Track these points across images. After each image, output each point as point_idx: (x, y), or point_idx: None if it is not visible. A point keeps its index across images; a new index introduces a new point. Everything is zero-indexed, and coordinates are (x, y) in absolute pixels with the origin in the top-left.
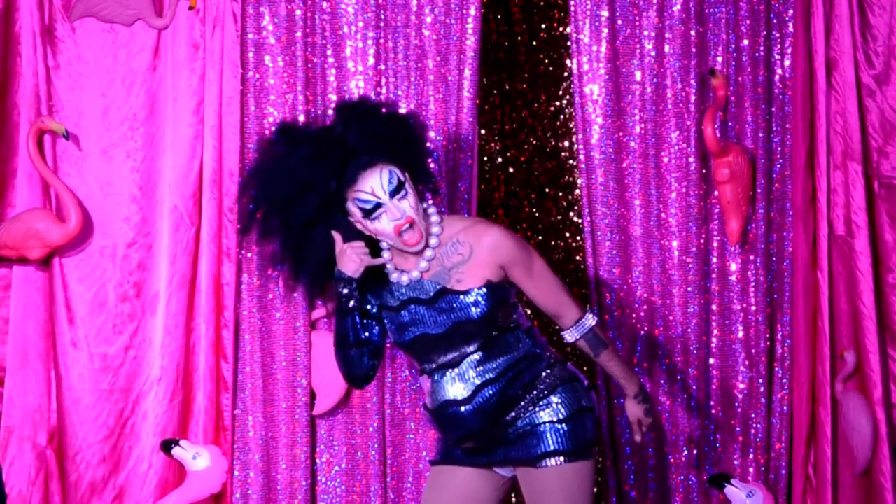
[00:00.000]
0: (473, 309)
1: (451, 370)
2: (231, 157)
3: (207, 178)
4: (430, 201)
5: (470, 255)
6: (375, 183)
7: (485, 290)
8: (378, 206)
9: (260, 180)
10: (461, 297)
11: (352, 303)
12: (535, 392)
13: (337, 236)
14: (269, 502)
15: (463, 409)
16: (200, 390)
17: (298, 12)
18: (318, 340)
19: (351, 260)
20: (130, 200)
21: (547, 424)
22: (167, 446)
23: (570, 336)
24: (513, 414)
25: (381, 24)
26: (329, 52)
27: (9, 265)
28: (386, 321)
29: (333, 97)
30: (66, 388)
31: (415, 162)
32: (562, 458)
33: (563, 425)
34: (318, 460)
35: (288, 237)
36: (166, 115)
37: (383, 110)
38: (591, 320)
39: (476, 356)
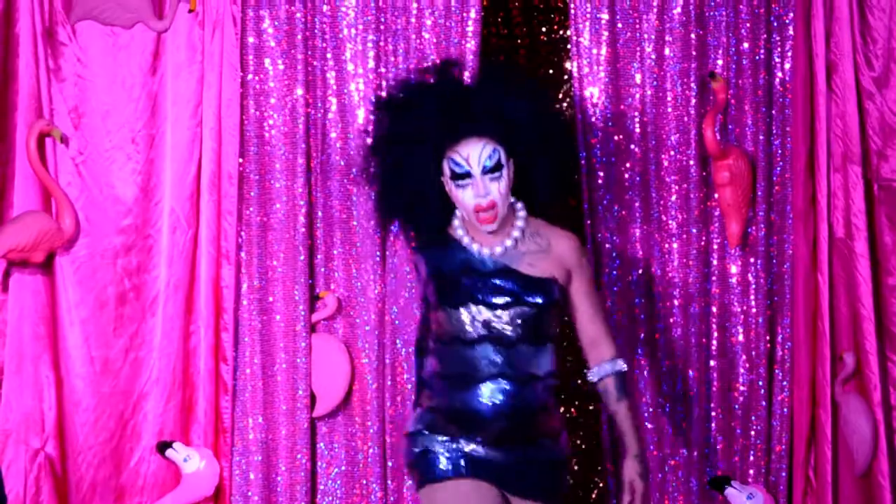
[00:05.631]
0: (538, 294)
1: (486, 346)
2: (230, 159)
3: (206, 180)
4: (521, 203)
5: (547, 249)
6: (474, 153)
7: (552, 282)
8: (467, 175)
9: (395, 97)
10: (527, 280)
11: None
12: (544, 420)
13: None
14: None
15: (485, 387)
16: (201, 393)
17: (298, 15)
18: (318, 343)
19: None
20: (131, 202)
21: (552, 462)
22: (162, 448)
23: (602, 370)
24: (521, 430)
25: (381, 26)
26: (329, 55)
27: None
28: (436, 286)
29: (333, 100)
30: (65, 390)
31: (539, 169)
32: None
33: (562, 471)
34: (317, 463)
35: (387, 163)
36: (166, 117)
37: (546, 108)
38: (624, 364)
39: (515, 347)
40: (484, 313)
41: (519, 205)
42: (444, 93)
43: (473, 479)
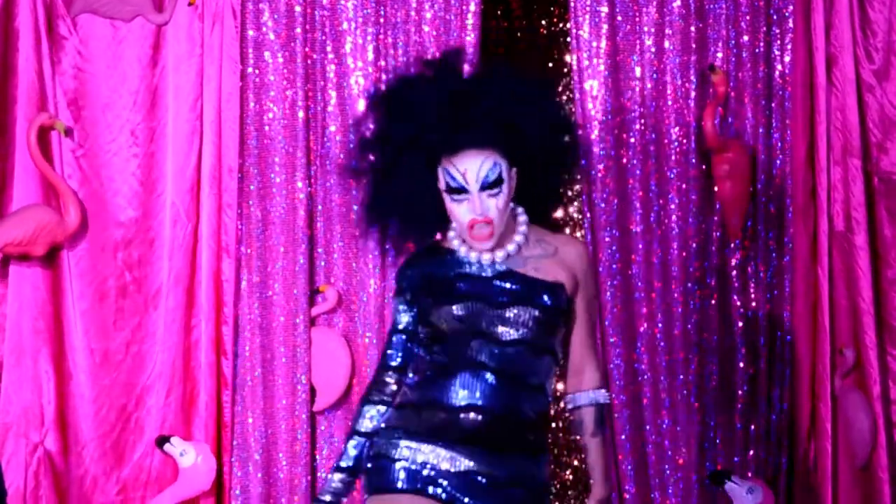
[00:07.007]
0: (546, 295)
1: (478, 369)
2: (230, 153)
3: (206, 174)
4: (521, 208)
5: (554, 254)
6: (472, 167)
7: (560, 287)
8: (462, 190)
9: (394, 89)
10: (533, 281)
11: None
12: (532, 439)
13: None
14: (269, 498)
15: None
16: (202, 387)
17: (298, 8)
18: (318, 337)
19: None
20: (132, 195)
21: (534, 485)
22: (160, 443)
23: (585, 398)
24: (498, 436)
25: (381, 19)
26: (329, 48)
27: (4, 261)
28: (427, 293)
29: (333, 93)
30: (66, 383)
31: (544, 178)
32: None
33: (543, 493)
34: (318, 457)
35: (379, 159)
36: (167, 110)
37: (553, 114)
38: (606, 397)
39: (513, 347)
40: (482, 311)
41: (520, 209)
42: (443, 95)
43: (419, 495)
